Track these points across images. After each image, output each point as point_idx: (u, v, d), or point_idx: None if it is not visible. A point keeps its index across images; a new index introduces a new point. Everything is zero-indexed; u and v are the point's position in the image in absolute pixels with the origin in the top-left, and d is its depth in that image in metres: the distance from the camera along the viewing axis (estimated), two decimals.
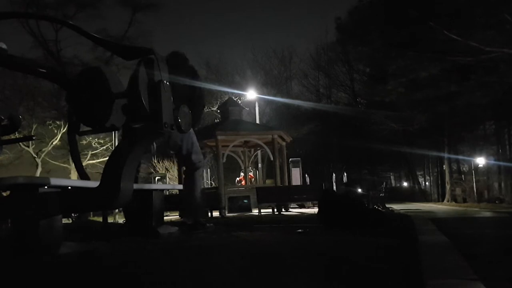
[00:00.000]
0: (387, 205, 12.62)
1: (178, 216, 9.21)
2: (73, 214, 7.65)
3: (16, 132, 3.77)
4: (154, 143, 3.69)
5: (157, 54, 1.99)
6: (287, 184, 15.27)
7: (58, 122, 19.66)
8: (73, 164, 4.92)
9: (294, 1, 66.46)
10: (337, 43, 36.46)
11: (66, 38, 20.48)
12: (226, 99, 21.20)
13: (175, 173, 21.21)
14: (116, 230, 3.97)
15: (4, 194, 2.42)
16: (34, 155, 20.39)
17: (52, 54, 20.73)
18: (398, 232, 3.27)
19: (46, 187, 2.06)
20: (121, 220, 10.81)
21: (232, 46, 64.82)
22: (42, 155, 20.53)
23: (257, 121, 21.55)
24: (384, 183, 30.42)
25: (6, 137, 2.71)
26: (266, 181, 20.29)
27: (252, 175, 18.41)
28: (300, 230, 3.55)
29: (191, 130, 3.86)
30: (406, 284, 1.60)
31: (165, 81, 1.98)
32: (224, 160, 14.40)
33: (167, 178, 19.93)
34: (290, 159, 17.70)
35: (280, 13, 70.27)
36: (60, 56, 20.77)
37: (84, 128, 2.40)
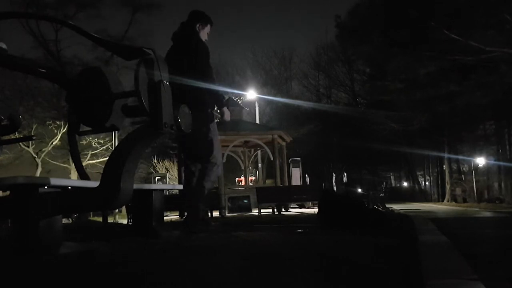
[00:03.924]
0: (387, 205, 12.63)
1: (178, 216, 9.21)
2: (73, 214, 7.66)
3: (16, 132, 3.77)
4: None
5: (157, 54, 1.99)
6: (287, 184, 15.27)
7: (58, 122, 19.65)
8: (73, 164, 4.93)
9: (294, 1, 66.52)
10: (337, 40, 36.52)
11: (66, 38, 20.49)
12: (226, 99, 21.16)
13: (175, 173, 21.22)
14: (120, 231, 3.96)
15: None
16: (34, 155, 20.38)
17: (52, 54, 20.72)
18: (398, 232, 3.26)
19: (46, 187, 2.06)
20: (121, 220, 10.82)
21: (232, 46, 64.84)
22: (42, 155, 20.51)
23: (257, 121, 21.54)
24: (384, 183, 30.48)
25: (6, 137, 2.71)
26: (266, 181, 20.30)
27: (252, 178, 18.41)
28: (300, 230, 3.55)
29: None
30: (406, 284, 1.60)
31: (165, 81, 1.98)
32: (224, 160, 14.37)
33: (167, 178, 19.94)
34: (290, 159, 17.69)
35: (280, 13, 70.31)
36: (60, 56, 20.76)
37: (84, 128, 2.40)
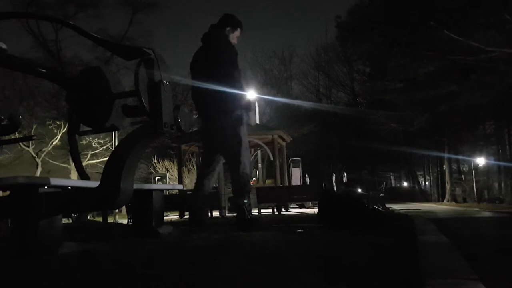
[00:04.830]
0: (387, 205, 12.63)
1: (178, 216, 9.20)
2: (73, 214, 7.65)
3: (16, 132, 3.77)
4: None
5: (157, 54, 1.99)
6: (287, 184, 15.27)
7: (58, 122, 19.65)
8: (73, 164, 4.95)
9: (294, 1, 66.52)
10: (337, 40, 36.53)
11: (66, 38, 20.54)
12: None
13: (175, 173, 21.21)
14: (120, 231, 3.96)
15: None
16: (34, 155, 20.37)
17: (52, 54, 20.73)
18: (398, 232, 3.26)
19: (46, 187, 2.06)
20: (121, 220, 10.82)
21: None
22: (42, 155, 20.50)
23: (257, 121, 21.53)
24: (384, 183, 30.49)
25: (6, 137, 2.71)
26: (266, 181, 20.29)
27: (253, 180, 18.41)
28: (300, 230, 3.55)
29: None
30: (406, 284, 1.60)
31: (165, 81, 1.98)
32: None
33: (167, 178, 19.93)
34: (290, 159, 17.69)
35: (280, 13, 70.32)
36: (60, 56, 20.77)
37: (84, 128, 2.40)
